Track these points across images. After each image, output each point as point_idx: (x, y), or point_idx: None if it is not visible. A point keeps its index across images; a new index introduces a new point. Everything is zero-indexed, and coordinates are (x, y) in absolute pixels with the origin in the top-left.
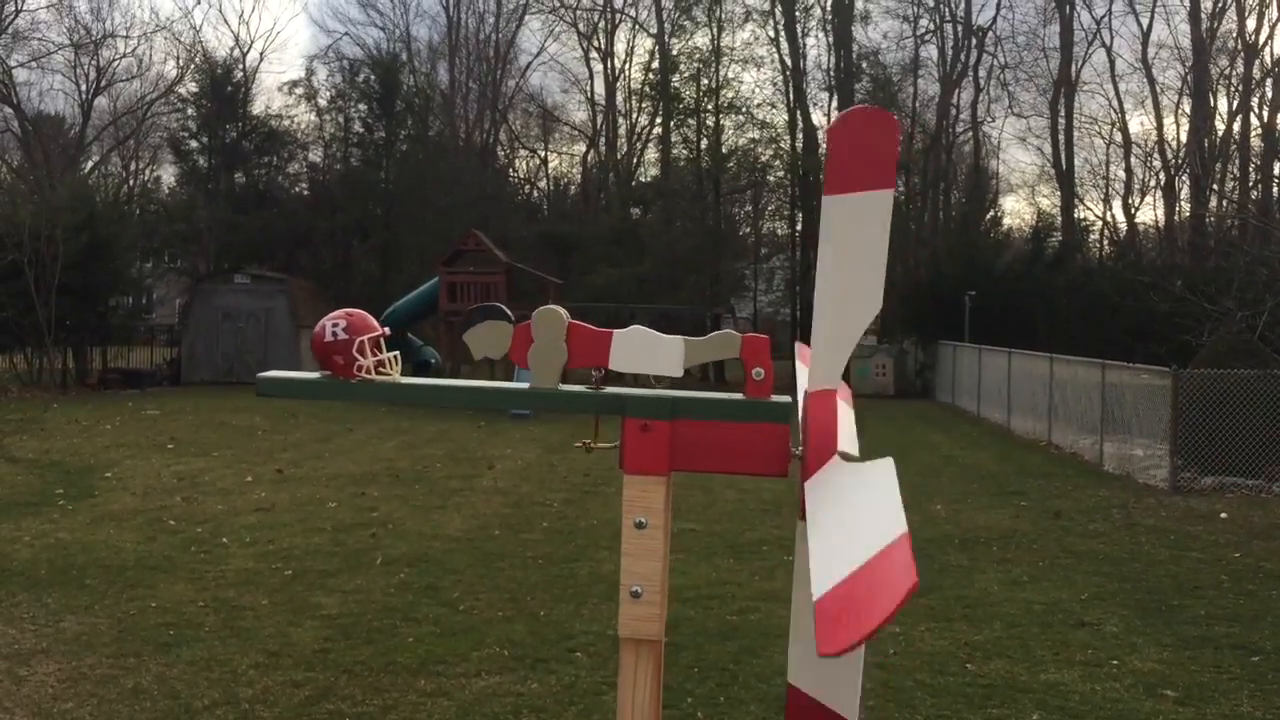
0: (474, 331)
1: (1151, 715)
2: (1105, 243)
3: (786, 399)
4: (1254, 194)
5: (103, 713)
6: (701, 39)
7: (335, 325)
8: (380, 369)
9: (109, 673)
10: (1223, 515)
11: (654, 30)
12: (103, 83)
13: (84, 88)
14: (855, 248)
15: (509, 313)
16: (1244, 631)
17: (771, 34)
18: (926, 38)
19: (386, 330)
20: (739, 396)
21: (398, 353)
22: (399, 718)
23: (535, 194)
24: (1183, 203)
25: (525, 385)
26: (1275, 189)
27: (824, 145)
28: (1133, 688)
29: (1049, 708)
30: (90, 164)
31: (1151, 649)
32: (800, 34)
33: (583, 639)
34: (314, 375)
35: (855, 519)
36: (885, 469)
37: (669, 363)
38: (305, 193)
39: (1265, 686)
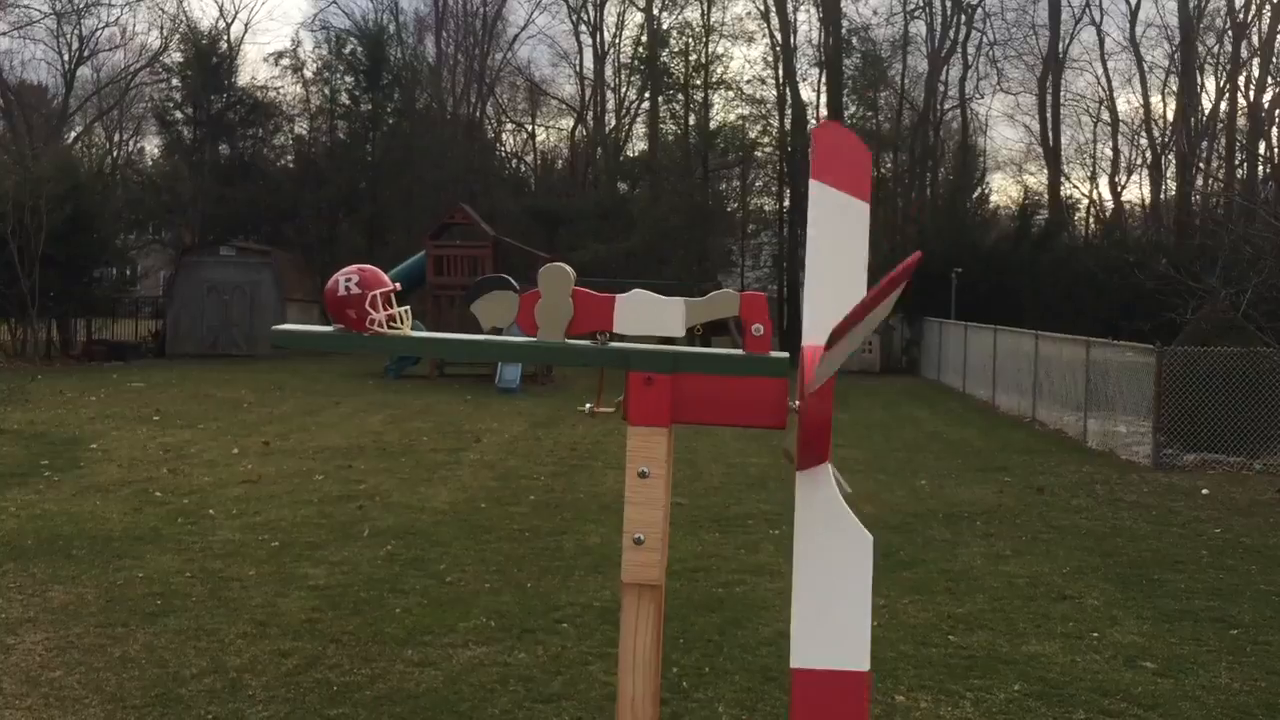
0: (481, 303)
1: (1131, 686)
2: (1091, 221)
3: (784, 354)
4: (1239, 173)
5: (91, 681)
6: (692, 13)
7: (348, 280)
8: (391, 323)
9: (96, 642)
10: (1204, 491)
11: (643, 4)
12: (85, 52)
13: (66, 57)
14: (839, 236)
15: (513, 282)
16: (1223, 605)
17: (762, 8)
18: (916, 13)
19: (397, 285)
20: (739, 352)
21: (408, 307)
22: (387, 687)
23: (523, 168)
24: (1169, 181)
25: (532, 339)
26: (1260, 168)
27: (816, 118)
28: (1113, 659)
29: (1030, 678)
30: (73, 135)
31: (1132, 622)
32: (791, 9)
33: (569, 610)
34: (327, 328)
35: (832, 609)
36: (864, 551)
37: (671, 323)
38: (291, 165)
39: (1243, 659)
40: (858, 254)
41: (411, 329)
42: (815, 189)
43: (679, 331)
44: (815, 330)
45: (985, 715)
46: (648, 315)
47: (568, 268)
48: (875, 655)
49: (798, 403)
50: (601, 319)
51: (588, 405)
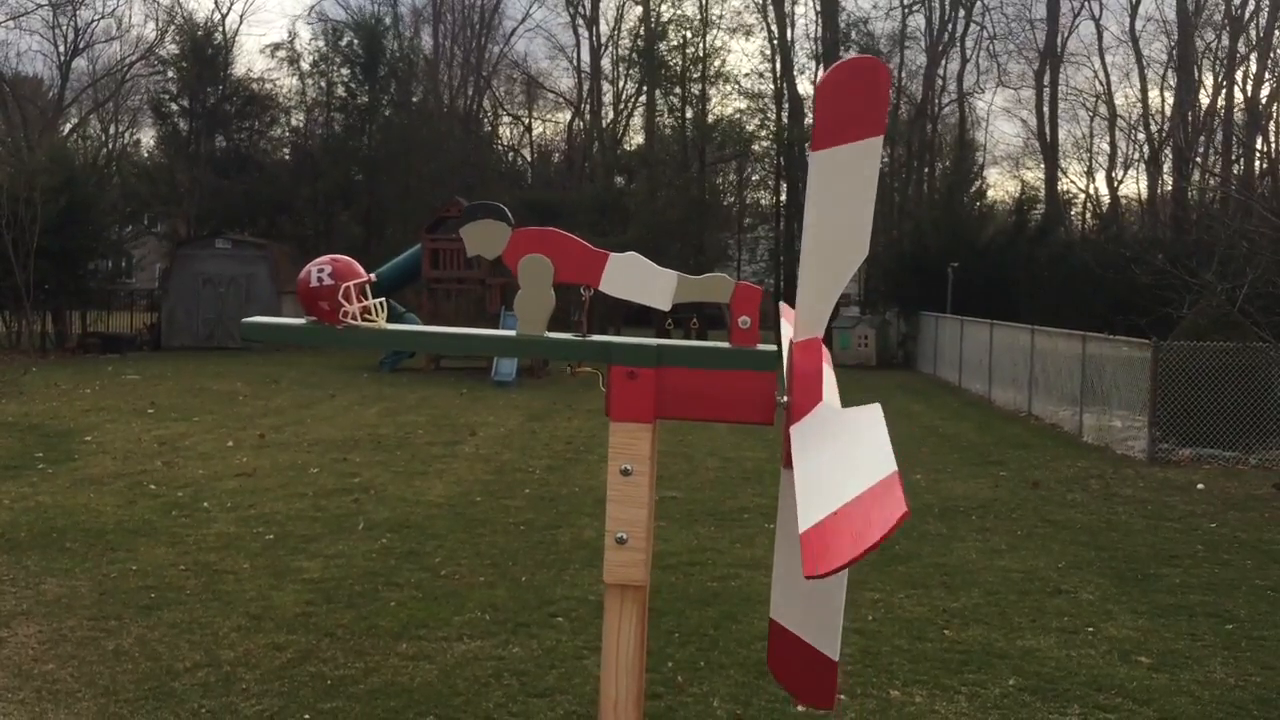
0: (472, 227)
1: (1126, 681)
2: (1088, 215)
3: (772, 348)
4: (1236, 168)
5: (84, 674)
6: (690, 7)
7: (321, 271)
8: (366, 315)
9: (90, 635)
10: (1199, 486)
11: None
12: (81, 44)
13: (62, 49)
14: (842, 197)
15: (507, 212)
16: (1218, 600)
17: (760, 1)
18: (915, 7)
19: (372, 276)
20: (725, 345)
21: (384, 299)
22: (381, 680)
23: (519, 162)
24: (1166, 176)
25: (512, 333)
26: (1257, 163)
27: (810, 113)
28: (1108, 654)
29: (1025, 673)
30: (69, 126)
31: (1127, 616)
32: (789, 2)
33: (564, 604)
34: (299, 321)
35: (843, 457)
36: (872, 414)
37: (659, 294)
38: (287, 157)
39: (1238, 654)
40: (863, 226)
41: (405, 322)
42: (817, 160)
43: (665, 304)
44: (806, 320)
45: (980, 710)
46: (637, 279)
47: (548, 261)
48: (870, 650)
49: (785, 398)
50: (590, 274)
51: (568, 367)
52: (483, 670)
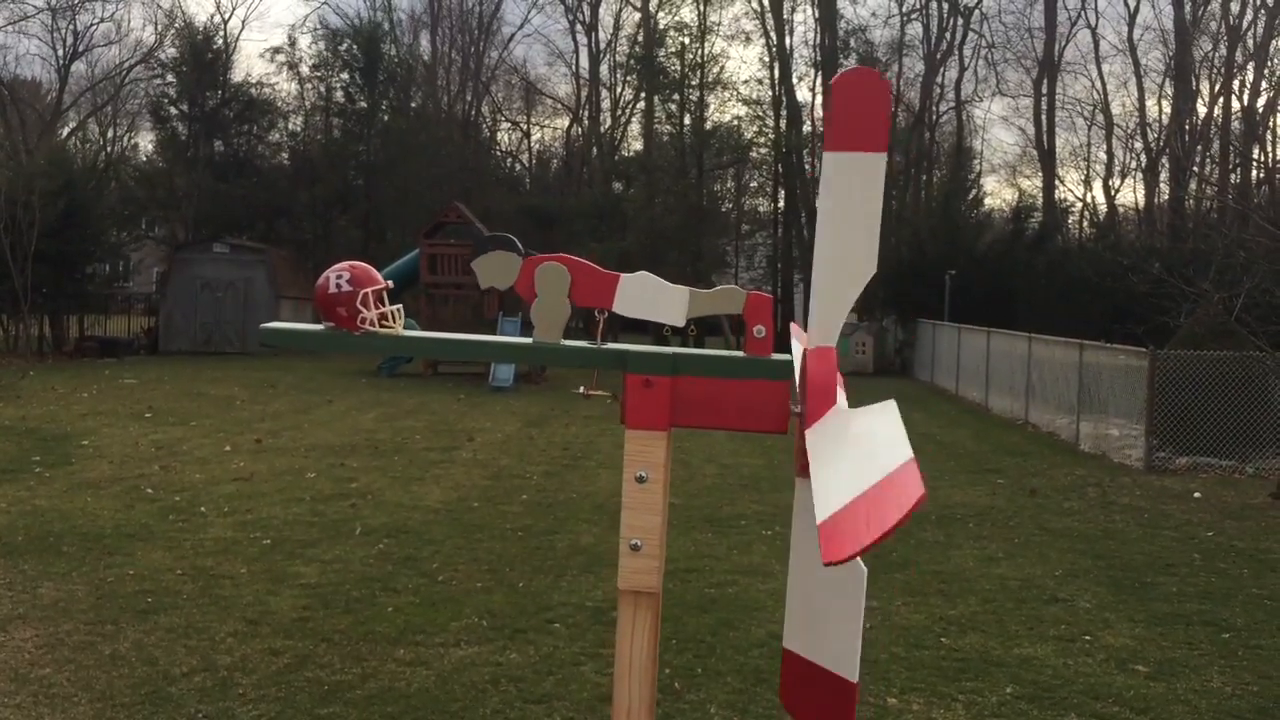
0: (484, 260)
1: (1123, 689)
2: (1085, 224)
3: (787, 356)
4: (1233, 177)
5: (80, 678)
6: (688, 14)
7: (339, 277)
8: (383, 322)
9: (86, 639)
10: (1196, 495)
11: (640, 3)
12: (80, 47)
13: (61, 52)
14: (852, 207)
15: (518, 244)
16: (1215, 608)
17: (758, 8)
18: (913, 15)
19: (390, 283)
20: (740, 354)
21: (400, 306)
22: (378, 686)
23: (518, 167)
24: (1163, 185)
25: (528, 340)
26: (1254, 172)
27: (811, 119)
28: (1105, 662)
29: (1022, 681)
30: (67, 130)
31: (1124, 625)
32: (788, 10)
33: (561, 610)
34: (317, 326)
35: (859, 449)
36: (887, 408)
37: (672, 311)
38: (286, 162)
39: (1235, 662)
40: (872, 232)
41: (404, 327)
42: (831, 162)
43: (679, 320)
44: (819, 329)
45: (977, 718)
46: (650, 298)
47: (564, 268)
48: (867, 657)
49: (799, 407)
50: (602, 297)
51: (581, 387)
52: (480, 676)
